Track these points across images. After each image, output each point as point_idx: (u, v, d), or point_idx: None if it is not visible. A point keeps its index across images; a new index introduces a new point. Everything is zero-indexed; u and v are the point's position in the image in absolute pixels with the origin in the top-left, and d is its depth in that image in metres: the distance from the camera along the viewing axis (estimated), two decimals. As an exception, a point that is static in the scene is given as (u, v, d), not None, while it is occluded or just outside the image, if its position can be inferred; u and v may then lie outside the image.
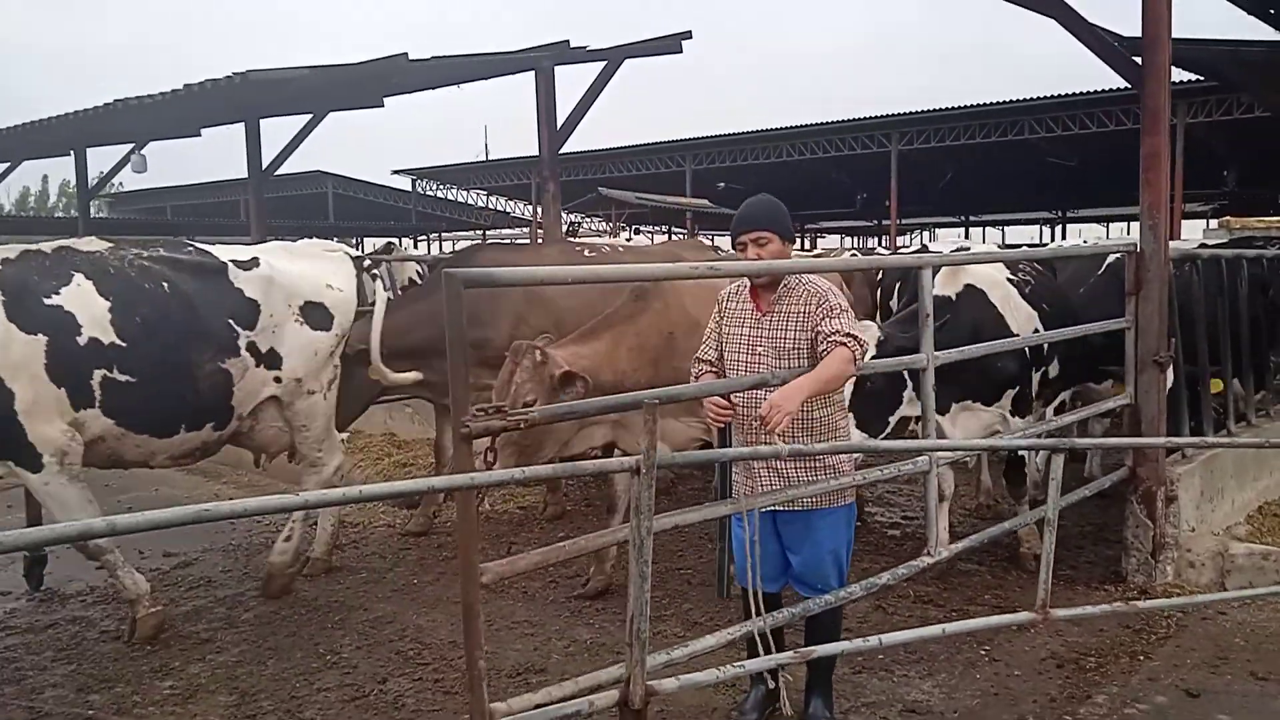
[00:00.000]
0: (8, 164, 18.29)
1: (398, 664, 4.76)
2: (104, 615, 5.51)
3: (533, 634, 5.07)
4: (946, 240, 40.25)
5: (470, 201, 41.81)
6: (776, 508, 3.78)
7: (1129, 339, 5.63)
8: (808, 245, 36.74)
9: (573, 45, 8.78)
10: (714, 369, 3.93)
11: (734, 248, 3.98)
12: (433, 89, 10.55)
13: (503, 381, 4.83)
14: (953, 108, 24.34)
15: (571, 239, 8.32)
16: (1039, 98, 22.84)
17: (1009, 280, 5.85)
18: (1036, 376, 5.85)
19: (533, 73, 8.94)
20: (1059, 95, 22.35)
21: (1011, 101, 23.42)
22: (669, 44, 9.21)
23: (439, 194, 40.44)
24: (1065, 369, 6.15)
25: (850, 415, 4.16)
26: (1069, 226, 41.95)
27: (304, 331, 5.58)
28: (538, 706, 2.92)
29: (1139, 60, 5.49)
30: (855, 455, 3.98)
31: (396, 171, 38.22)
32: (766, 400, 3.50)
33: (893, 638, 3.70)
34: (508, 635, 5.04)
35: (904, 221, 37.65)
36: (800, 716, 4.00)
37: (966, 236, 41.32)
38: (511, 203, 41.75)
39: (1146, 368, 5.59)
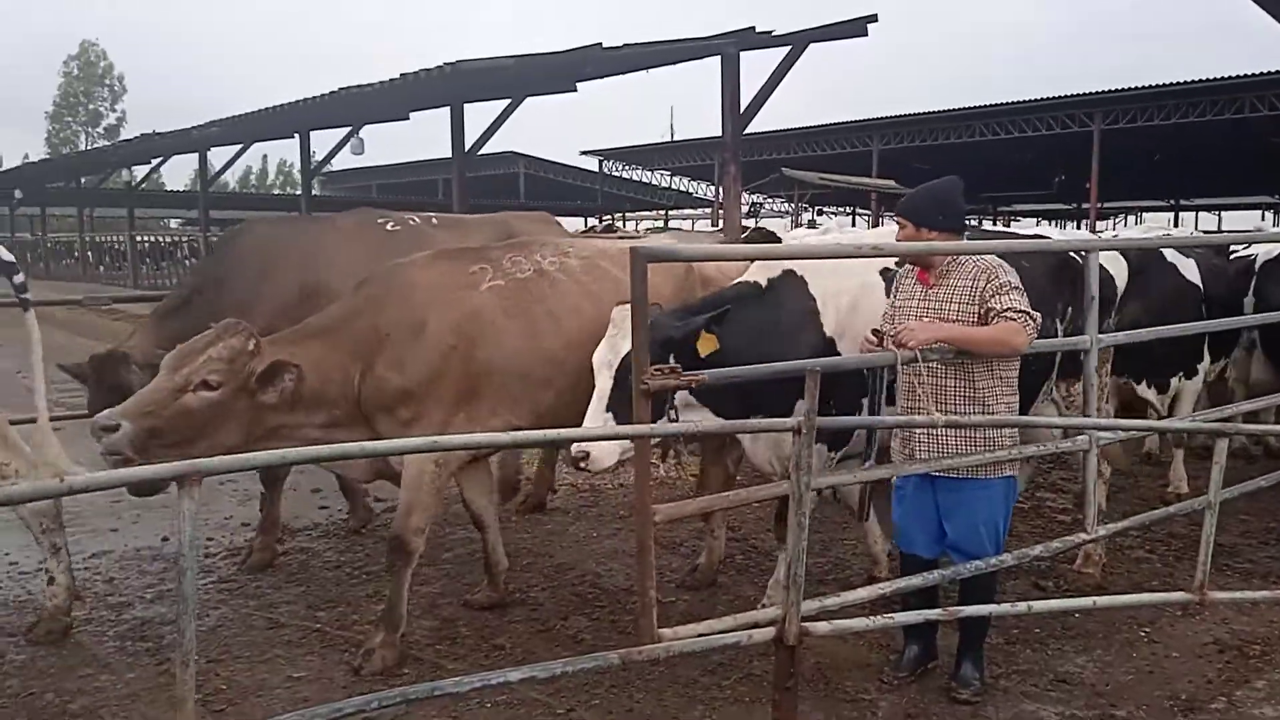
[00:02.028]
0: (240, 145, 20.20)
1: (577, 604, 5.25)
2: (326, 548, 6.27)
3: (699, 588, 5.45)
4: (1153, 226, 37.99)
5: (654, 182, 42.60)
6: (935, 474, 4.00)
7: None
8: (999, 227, 35.52)
9: (757, 30, 9.04)
10: (877, 338, 4.07)
11: None
12: (623, 74, 11.03)
13: (190, 349, 4.16)
14: (1162, 85, 23.05)
15: (432, 215, 6.86)
16: (1260, 73, 21.30)
17: (884, 272, 4.59)
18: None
19: (718, 58, 9.28)
20: (1282, 70, 20.79)
21: (1228, 78, 21.94)
22: (854, 28, 9.32)
23: (625, 174, 41.37)
24: None
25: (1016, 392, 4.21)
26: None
27: None
28: (699, 635, 3.30)
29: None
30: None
31: (585, 152, 39.42)
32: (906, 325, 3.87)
33: (1043, 605, 3.88)
34: (677, 590, 5.42)
35: (1105, 205, 35.78)
36: (950, 678, 4.22)
37: (1176, 223, 38.84)
38: (694, 183, 42.26)
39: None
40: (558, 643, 4.79)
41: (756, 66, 9.58)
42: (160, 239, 29.29)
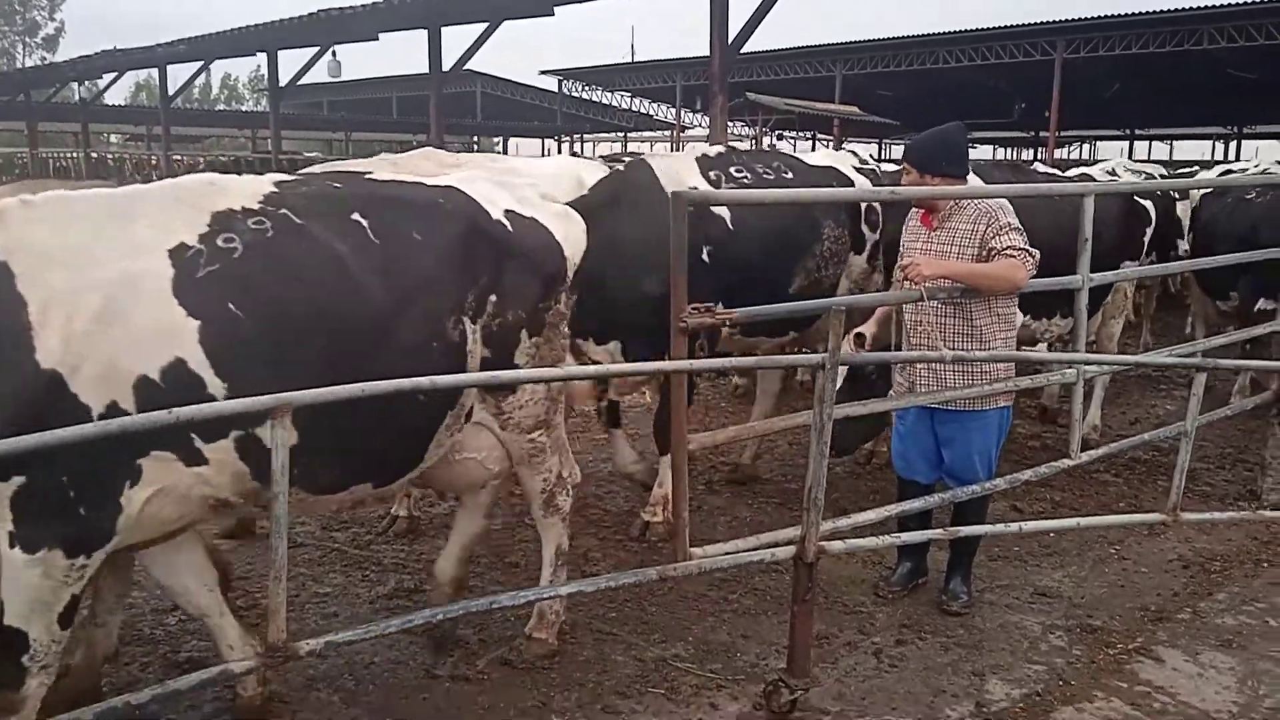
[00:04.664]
0: (200, 62, 19.70)
1: (583, 525, 5.48)
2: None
3: (701, 514, 5.71)
4: (1108, 155, 38.58)
5: (615, 104, 42.12)
6: (934, 406, 4.27)
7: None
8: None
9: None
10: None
11: None
12: (604, -5, 10.97)
13: None
14: (1126, 15, 23.24)
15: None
16: (1223, 5, 21.59)
17: (176, 251, 2.81)
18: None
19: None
20: (1246, 3, 21.09)
21: (1188, 9, 22.20)
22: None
23: (585, 95, 40.84)
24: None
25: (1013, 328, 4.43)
26: (1244, 143, 39.56)
27: None
28: (726, 554, 3.56)
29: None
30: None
31: (544, 72, 38.73)
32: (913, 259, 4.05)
33: (1032, 525, 4.21)
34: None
35: (1064, 134, 36.15)
36: (941, 592, 4.55)
37: (1130, 152, 39.42)
38: (655, 105, 41.88)
39: (1301, 296, 5.75)
40: (569, 561, 5.04)
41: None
42: (108, 156, 28.68)
